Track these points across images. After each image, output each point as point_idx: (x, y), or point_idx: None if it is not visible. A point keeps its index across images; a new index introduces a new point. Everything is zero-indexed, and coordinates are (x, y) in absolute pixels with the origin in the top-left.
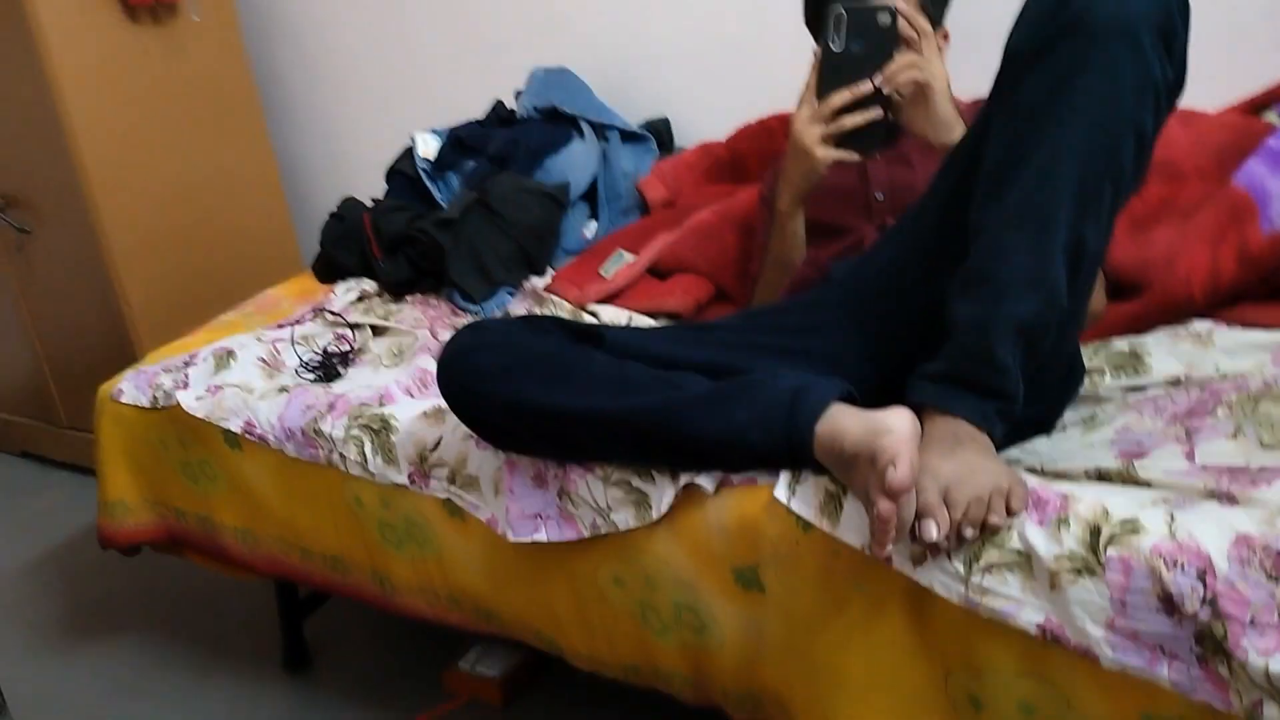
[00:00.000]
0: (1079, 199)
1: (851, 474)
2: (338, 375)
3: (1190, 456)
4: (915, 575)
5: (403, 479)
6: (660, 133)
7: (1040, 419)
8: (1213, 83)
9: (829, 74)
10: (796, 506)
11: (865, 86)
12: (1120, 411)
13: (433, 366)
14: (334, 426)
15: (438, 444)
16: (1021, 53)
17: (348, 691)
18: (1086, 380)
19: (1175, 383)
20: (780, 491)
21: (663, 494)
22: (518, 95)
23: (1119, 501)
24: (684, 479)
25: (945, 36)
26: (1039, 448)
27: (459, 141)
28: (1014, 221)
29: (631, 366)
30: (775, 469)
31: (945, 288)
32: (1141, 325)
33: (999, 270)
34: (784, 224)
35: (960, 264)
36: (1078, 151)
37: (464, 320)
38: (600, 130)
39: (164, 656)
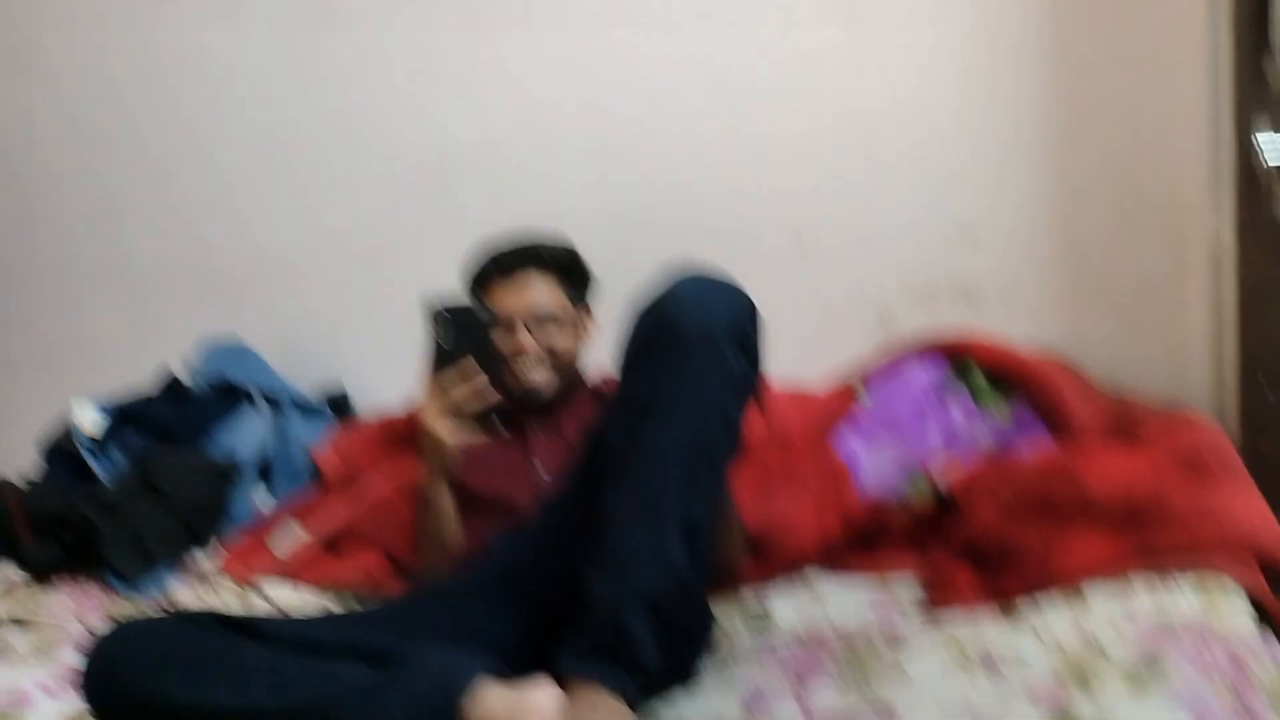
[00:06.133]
0: (684, 480)
1: None
2: None
3: (804, 708)
4: None
5: None
6: (336, 401)
7: (678, 671)
8: (815, 358)
9: (444, 366)
10: None
11: (480, 377)
12: (748, 664)
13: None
14: None
15: None
16: (629, 360)
17: None
18: (721, 634)
19: (796, 637)
20: None
21: None
22: (187, 365)
23: None
24: None
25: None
26: (677, 699)
27: (123, 414)
28: (632, 502)
29: (287, 659)
30: None
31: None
32: (768, 579)
33: (622, 548)
34: (428, 499)
35: (594, 542)
36: (677, 438)
37: (120, 606)
38: (273, 400)
39: None
